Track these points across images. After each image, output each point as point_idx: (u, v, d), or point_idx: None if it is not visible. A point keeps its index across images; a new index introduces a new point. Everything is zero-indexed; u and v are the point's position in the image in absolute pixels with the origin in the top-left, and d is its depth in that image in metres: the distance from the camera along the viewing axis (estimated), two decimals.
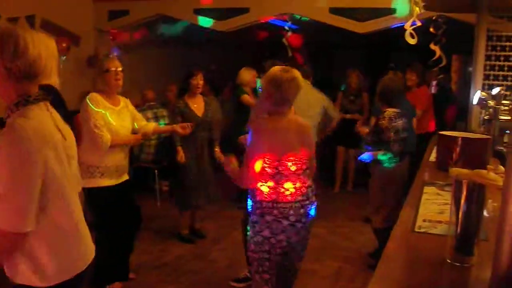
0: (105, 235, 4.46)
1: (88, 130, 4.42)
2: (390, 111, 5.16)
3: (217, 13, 8.44)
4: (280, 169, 3.54)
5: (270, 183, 3.54)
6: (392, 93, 5.24)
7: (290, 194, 3.55)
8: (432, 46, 5.74)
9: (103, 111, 4.49)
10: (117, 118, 4.60)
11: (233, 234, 6.14)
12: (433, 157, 4.39)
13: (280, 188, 3.54)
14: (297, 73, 3.62)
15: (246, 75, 7.15)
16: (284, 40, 7.83)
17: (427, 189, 3.14)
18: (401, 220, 2.42)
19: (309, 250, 5.91)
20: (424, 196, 2.94)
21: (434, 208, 2.66)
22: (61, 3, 8.47)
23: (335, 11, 7.80)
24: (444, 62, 6.29)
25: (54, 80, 2.33)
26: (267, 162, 3.53)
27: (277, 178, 3.54)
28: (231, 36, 8.90)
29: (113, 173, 4.60)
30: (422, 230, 2.27)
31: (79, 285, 2.47)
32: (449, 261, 1.85)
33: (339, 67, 9.49)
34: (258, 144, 3.54)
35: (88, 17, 9.32)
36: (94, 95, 4.54)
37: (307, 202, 3.63)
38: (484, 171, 1.86)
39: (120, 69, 4.63)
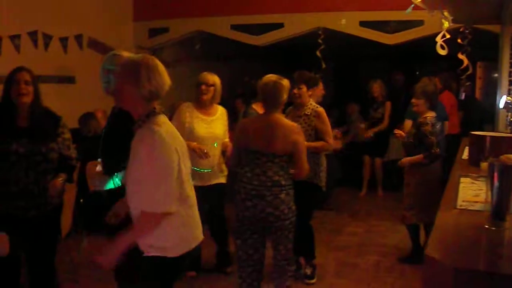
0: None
1: None
2: (431, 117, 5.65)
3: (253, 29, 8.98)
4: (243, 155, 4.32)
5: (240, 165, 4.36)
6: (435, 96, 5.76)
7: (246, 176, 4.26)
8: (460, 56, 6.18)
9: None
10: (207, 126, 5.29)
11: None
12: (465, 155, 4.86)
13: (241, 170, 4.32)
14: (279, 80, 4.32)
15: None
16: (317, 52, 8.28)
17: (463, 179, 3.62)
18: (444, 201, 2.90)
19: (350, 246, 6.49)
20: (461, 185, 3.42)
21: (470, 193, 3.14)
22: (105, 23, 9.04)
23: (365, 24, 8.30)
24: (470, 70, 6.74)
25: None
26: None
27: (242, 162, 4.33)
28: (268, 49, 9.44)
29: (198, 175, 5.20)
30: (462, 207, 2.76)
31: (186, 261, 3.02)
32: (487, 226, 2.32)
33: (365, 77, 9.95)
34: (235, 135, 4.47)
35: (129, 35, 9.89)
36: (185, 105, 5.48)
37: (263, 187, 4.19)
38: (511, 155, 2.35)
39: (207, 83, 5.40)
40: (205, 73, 5.51)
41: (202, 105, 5.44)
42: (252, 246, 4.38)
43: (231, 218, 6.38)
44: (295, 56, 11.71)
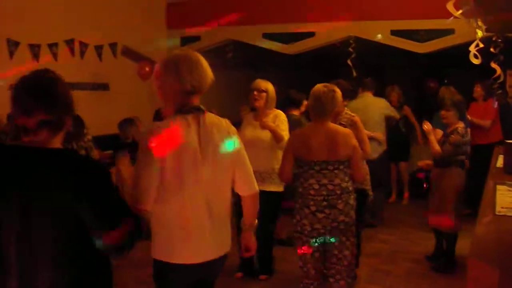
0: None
1: None
2: (461, 127, 5.73)
3: (284, 37, 9.09)
4: (305, 168, 4.28)
5: (302, 179, 4.31)
6: (464, 105, 5.82)
7: (313, 189, 4.23)
8: (493, 65, 6.20)
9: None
10: (253, 130, 5.41)
11: None
12: (499, 163, 4.91)
13: (305, 183, 4.27)
14: (336, 89, 4.37)
15: None
16: (348, 61, 8.36)
17: (499, 187, 3.68)
18: (483, 207, 2.97)
19: (382, 253, 6.53)
20: (498, 192, 3.48)
21: (508, 200, 3.21)
22: (139, 31, 9.21)
23: (396, 33, 8.35)
24: (502, 78, 6.76)
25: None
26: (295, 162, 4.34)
27: (304, 175, 4.29)
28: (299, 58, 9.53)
29: None
30: (501, 213, 2.82)
31: (184, 274, 2.96)
32: None
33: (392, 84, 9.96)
34: (289, 147, 4.41)
35: (162, 43, 10.06)
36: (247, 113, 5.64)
37: (334, 196, 4.20)
38: None
39: (258, 89, 5.50)
40: (257, 79, 5.61)
41: (256, 111, 5.59)
42: (319, 259, 4.38)
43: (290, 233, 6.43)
44: (326, 64, 11.78)
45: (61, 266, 2.23)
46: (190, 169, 2.84)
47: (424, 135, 6.60)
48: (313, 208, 4.23)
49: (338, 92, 4.38)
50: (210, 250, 2.98)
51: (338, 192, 4.20)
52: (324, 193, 4.20)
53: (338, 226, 4.21)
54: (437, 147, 5.79)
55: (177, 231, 2.87)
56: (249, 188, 3.19)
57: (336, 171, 4.22)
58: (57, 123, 2.28)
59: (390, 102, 9.03)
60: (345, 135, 4.27)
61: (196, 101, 2.92)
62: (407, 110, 9.08)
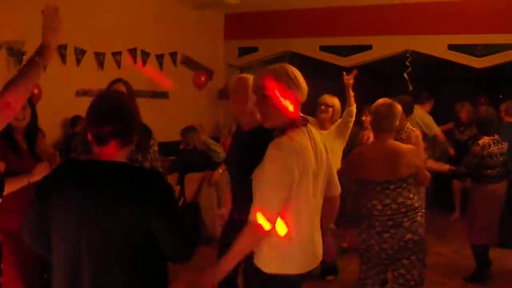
0: None
1: None
2: (486, 139, 5.79)
3: (341, 50, 9.17)
4: (367, 188, 4.15)
5: (365, 199, 4.19)
6: (488, 123, 5.89)
7: (376, 209, 4.10)
8: None
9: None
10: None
11: None
12: None
13: (368, 204, 4.15)
14: (393, 103, 4.19)
15: None
16: (405, 74, 8.39)
17: None
18: None
19: (437, 265, 6.52)
20: None
21: None
22: (197, 41, 9.48)
23: (453, 47, 8.33)
24: None
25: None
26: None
27: (366, 196, 4.17)
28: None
29: None
30: None
31: (298, 283, 3.03)
32: None
33: (445, 99, 9.93)
34: (347, 166, 4.34)
35: (220, 53, 10.31)
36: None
37: (399, 215, 4.05)
38: None
39: (326, 104, 5.69)
40: (324, 95, 5.77)
41: (321, 124, 5.67)
42: (379, 280, 4.30)
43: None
44: (380, 78, 11.80)
45: (126, 275, 2.35)
46: (311, 180, 2.88)
47: None
48: (378, 229, 4.09)
49: (397, 107, 4.18)
50: (315, 259, 3.04)
51: (403, 210, 4.04)
52: (389, 212, 4.06)
53: (406, 245, 4.06)
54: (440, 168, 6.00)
55: (298, 245, 2.90)
56: (337, 188, 3.24)
57: (398, 189, 4.06)
58: (126, 136, 2.40)
59: (459, 118, 8.95)
60: (408, 154, 4.09)
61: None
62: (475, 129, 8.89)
